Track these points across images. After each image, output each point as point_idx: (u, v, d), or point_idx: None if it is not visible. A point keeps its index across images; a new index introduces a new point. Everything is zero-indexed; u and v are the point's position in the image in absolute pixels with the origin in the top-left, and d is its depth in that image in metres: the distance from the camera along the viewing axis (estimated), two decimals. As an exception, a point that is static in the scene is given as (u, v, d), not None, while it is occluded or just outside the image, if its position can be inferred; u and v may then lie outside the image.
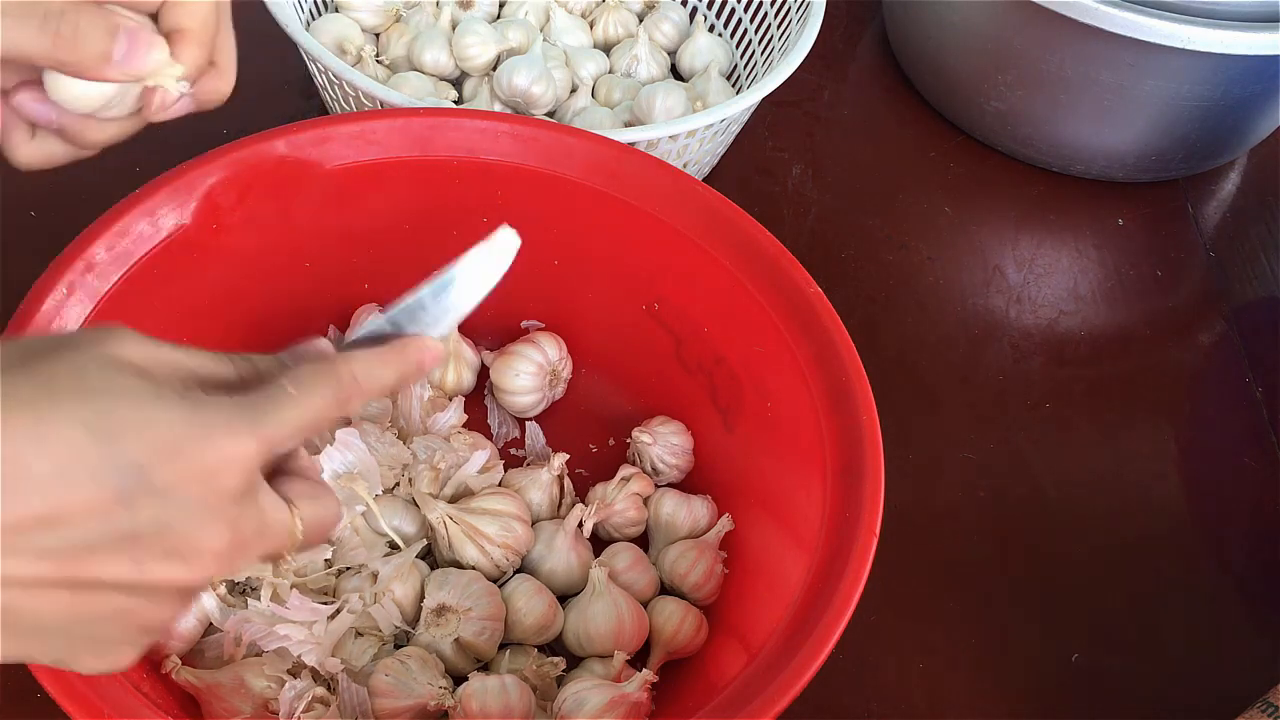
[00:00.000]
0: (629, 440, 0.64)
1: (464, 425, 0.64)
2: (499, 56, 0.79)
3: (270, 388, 0.39)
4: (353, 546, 0.57)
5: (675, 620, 0.57)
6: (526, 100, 0.77)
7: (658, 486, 0.63)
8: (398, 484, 0.60)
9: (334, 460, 0.58)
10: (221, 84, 0.49)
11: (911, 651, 0.62)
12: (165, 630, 0.51)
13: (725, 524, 0.61)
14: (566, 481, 0.63)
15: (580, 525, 0.59)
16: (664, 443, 0.63)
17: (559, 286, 0.65)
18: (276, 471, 0.41)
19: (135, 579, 0.35)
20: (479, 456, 0.60)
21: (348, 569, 0.57)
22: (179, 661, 0.53)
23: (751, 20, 0.84)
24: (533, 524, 0.60)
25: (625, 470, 0.62)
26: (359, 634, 0.55)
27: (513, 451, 0.66)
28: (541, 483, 0.61)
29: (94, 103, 0.46)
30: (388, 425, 0.62)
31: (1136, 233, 0.84)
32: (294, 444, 0.40)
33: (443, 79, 0.79)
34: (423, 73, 0.79)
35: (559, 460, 0.62)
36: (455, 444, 0.61)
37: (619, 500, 0.61)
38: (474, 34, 0.78)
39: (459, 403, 0.64)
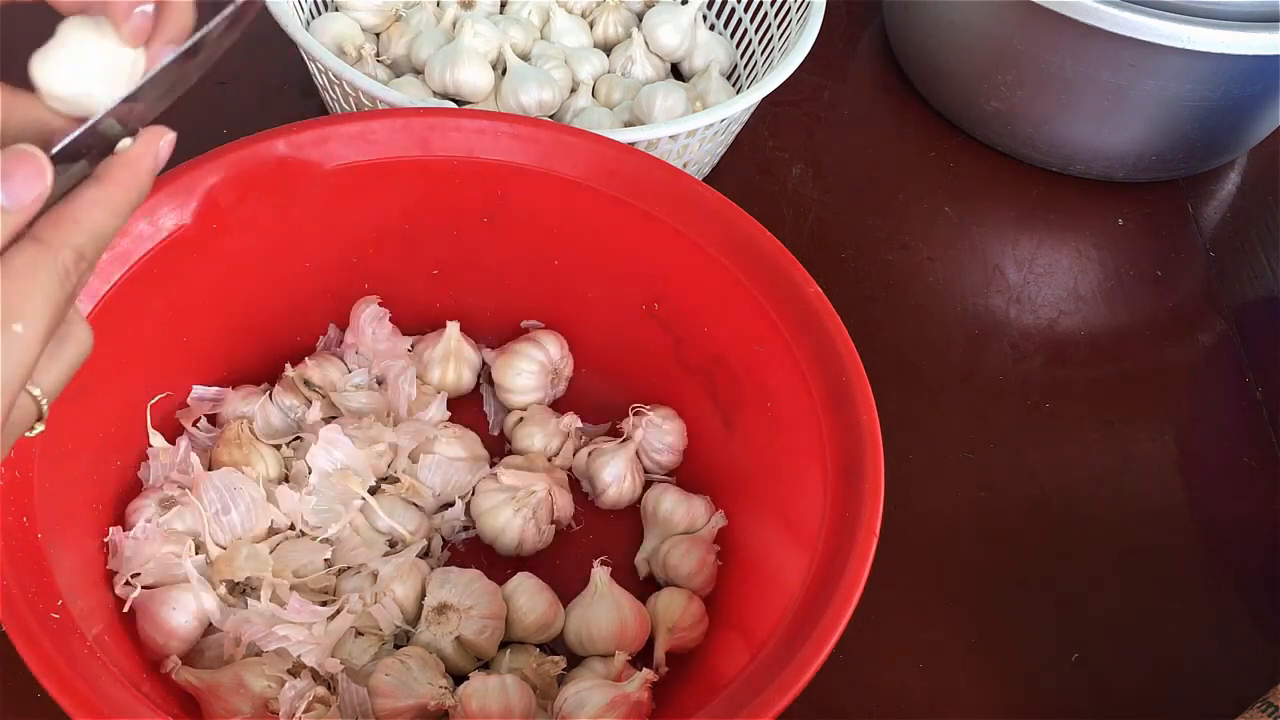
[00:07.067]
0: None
1: (462, 425, 0.64)
2: (500, 55, 0.79)
3: None
4: (353, 546, 0.57)
5: (676, 607, 0.57)
6: (540, 109, 0.77)
7: (651, 480, 0.64)
8: (389, 472, 0.60)
9: (322, 460, 0.58)
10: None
11: (911, 651, 0.62)
12: None
13: (718, 520, 0.61)
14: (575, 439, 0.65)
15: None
16: (655, 431, 0.63)
17: (559, 286, 0.65)
18: None
19: None
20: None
21: (348, 569, 0.57)
22: (179, 661, 0.53)
23: (751, 20, 0.84)
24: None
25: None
26: (359, 634, 0.55)
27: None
28: (553, 431, 0.64)
29: None
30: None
31: (1136, 233, 0.84)
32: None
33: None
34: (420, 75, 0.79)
35: (569, 420, 0.64)
36: (443, 438, 0.61)
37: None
38: (476, 32, 0.78)
39: (442, 397, 0.64)
